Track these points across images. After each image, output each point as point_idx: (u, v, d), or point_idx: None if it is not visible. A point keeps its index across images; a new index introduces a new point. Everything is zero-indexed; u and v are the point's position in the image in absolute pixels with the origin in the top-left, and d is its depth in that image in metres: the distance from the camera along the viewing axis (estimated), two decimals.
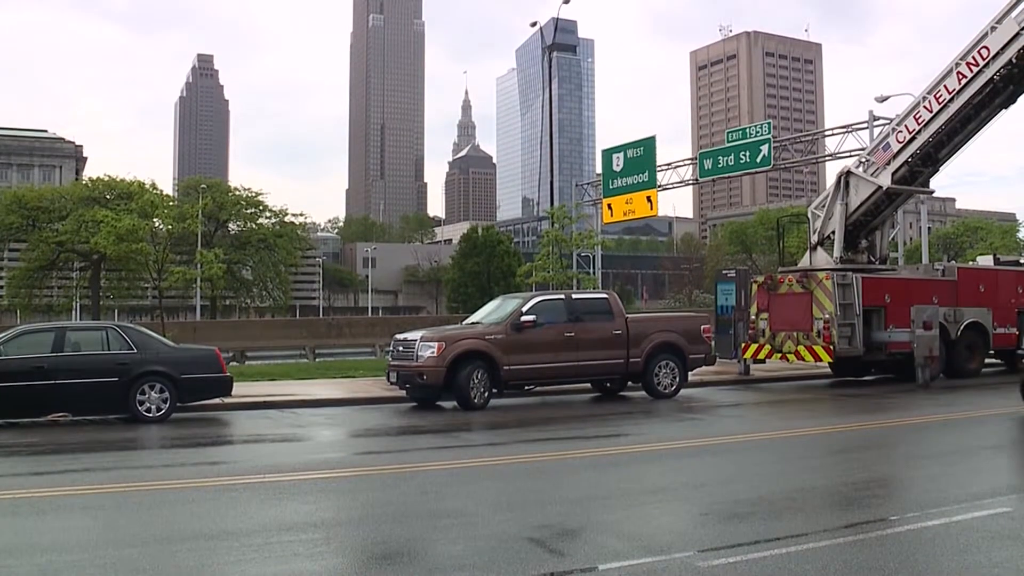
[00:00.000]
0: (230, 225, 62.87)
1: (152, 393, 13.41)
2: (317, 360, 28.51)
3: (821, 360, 18.81)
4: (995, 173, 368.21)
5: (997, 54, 17.03)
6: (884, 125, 24.06)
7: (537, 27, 43.80)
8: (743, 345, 19.68)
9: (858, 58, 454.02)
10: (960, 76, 17.64)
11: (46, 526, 6.98)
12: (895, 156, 19.04)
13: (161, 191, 50.55)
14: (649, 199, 35.38)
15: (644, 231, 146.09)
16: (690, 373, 16.81)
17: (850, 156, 27.45)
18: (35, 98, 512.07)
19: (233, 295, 66.35)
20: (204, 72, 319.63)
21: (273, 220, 62.66)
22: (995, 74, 17.21)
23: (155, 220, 44.12)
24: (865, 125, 29.39)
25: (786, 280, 19.28)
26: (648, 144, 35.44)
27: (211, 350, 14.75)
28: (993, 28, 17.15)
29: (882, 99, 30.93)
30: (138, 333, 14.30)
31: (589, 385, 17.13)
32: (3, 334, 13.93)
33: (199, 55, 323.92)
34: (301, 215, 66.69)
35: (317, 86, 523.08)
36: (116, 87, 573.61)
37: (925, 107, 18.36)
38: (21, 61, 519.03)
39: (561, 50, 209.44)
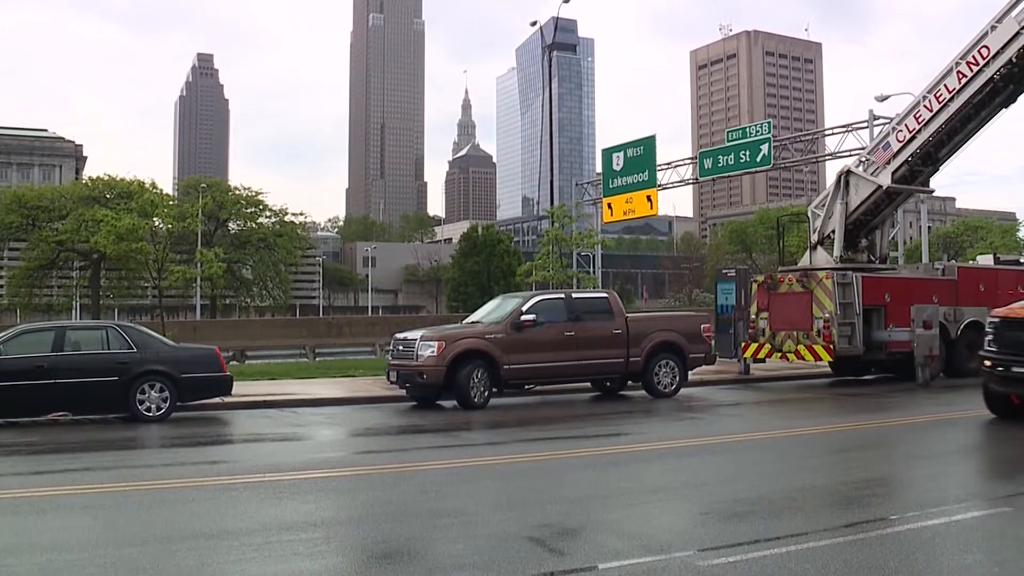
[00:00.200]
0: (230, 224, 62.86)
1: (152, 392, 13.41)
2: (317, 359, 28.53)
3: (821, 359, 18.82)
4: (995, 172, 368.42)
5: (997, 53, 17.03)
6: (884, 124, 24.07)
7: (537, 26, 43.82)
8: (743, 344, 19.68)
9: (858, 58, 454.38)
10: (960, 75, 17.64)
11: (46, 525, 6.98)
12: (895, 155, 19.04)
13: (161, 190, 50.62)
14: (649, 198, 35.40)
15: (644, 230, 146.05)
16: (690, 372, 16.81)
17: (850, 155, 27.47)
18: (35, 98, 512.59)
19: (233, 294, 66.33)
20: (204, 72, 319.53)
21: (273, 219, 62.65)
22: (995, 73, 17.21)
23: (155, 219, 44.16)
24: (865, 124, 29.41)
25: (786, 279, 19.28)
26: (648, 143, 35.45)
27: (211, 349, 14.75)
28: (993, 27, 17.14)
29: (882, 98, 30.95)
30: (138, 332, 14.30)
31: (589, 384, 17.13)
32: (3, 333, 13.94)
33: (199, 54, 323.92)
34: (301, 214, 66.82)
35: (317, 85, 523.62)
36: (116, 86, 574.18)
37: (925, 106, 18.35)
38: (21, 61, 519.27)
39: (561, 49, 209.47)
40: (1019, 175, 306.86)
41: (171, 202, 52.14)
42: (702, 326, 17.19)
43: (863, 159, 20.43)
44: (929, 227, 63.58)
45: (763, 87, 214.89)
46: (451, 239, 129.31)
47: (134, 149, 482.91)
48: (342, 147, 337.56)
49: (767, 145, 31.81)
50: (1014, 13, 16.96)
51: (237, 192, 62.65)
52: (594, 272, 42.23)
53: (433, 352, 14.34)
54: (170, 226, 46.46)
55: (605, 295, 17.49)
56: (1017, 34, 16.76)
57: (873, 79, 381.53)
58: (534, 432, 12.71)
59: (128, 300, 59.46)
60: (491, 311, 16.46)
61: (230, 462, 10.59)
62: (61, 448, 11.38)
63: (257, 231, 61.89)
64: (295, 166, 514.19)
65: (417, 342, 14.62)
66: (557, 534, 6.26)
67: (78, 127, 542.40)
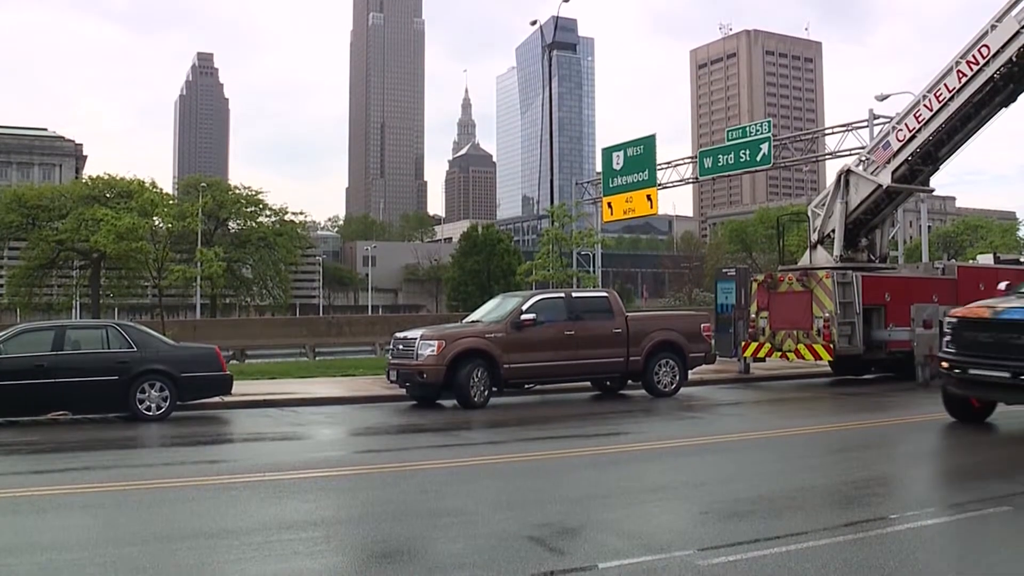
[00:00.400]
0: (230, 224, 62.86)
1: (152, 392, 13.41)
2: (317, 359, 28.53)
3: (821, 359, 18.82)
4: (995, 172, 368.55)
5: (997, 52, 17.02)
6: (884, 124, 24.07)
7: (537, 26, 43.86)
8: (743, 344, 19.68)
9: (858, 57, 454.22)
10: (960, 75, 17.62)
11: (46, 524, 6.98)
12: (895, 154, 19.03)
13: (161, 190, 50.64)
14: (649, 197, 35.39)
15: (644, 229, 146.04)
16: (690, 372, 16.81)
17: (850, 155, 27.46)
18: (35, 97, 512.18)
19: (233, 293, 66.36)
20: (204, 71, 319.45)
21: (273, 219, 62.66)
22: (995, 72, 17.19)
23: (155, 219, 44.21)
24: (865, 124, 29.40)
25: (786, 278, 19.28)
26: (648, 142, 35.45)
27: (211, 348, 14.76)
28: (993, 26, 17.12)
29: (882, 98, 30.94)
30: (138, 331, 14.30)
31: (589, 384, 17.13)
32: (3, 332, 13.94)
33: (199, 54, 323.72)
34: (301, 214, 66.86)
35: (317, 85, 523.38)
36: (116, 86, 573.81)
37: (925, 105, 18.34)
38: (21, 60, 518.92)
39: (561, 49, 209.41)
40: (1019, 174, 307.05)
41: (171, 201, 52.18)
42: (702, 325, 17.19)
43: (863, 158, 20.41)
44: (929, 226, 63.61)
45: (763, 86, 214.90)
46: (451, 238, 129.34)
47: (134, 148, 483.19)
48: (342, 146, 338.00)
49: (767, 144, 31.80)
50: (1014, 12, 16.95)
51: (237, 191, 62.67)
52: (594, 271, 42.24)
53: (433, 351, 14.35)
54: (170, 225, 46.50)
55: (605, 294, 17.49)
56: (1017, 33, 16.74)
57: (873, 78, 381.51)
58: (534, 431, 12.71)
59: (128, 299, 59.49)
60: (491, 310, 16.46)
61: (230, 461, 10.59)
62: (61, 447, 11.38)
63: (257, 230, 61.90)
64: (295, 165, 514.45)
65: (417, 341, 14.62)
66: (557, 533, 6.26)
67: (78, 126, 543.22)
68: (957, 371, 10.74)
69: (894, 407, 14.91)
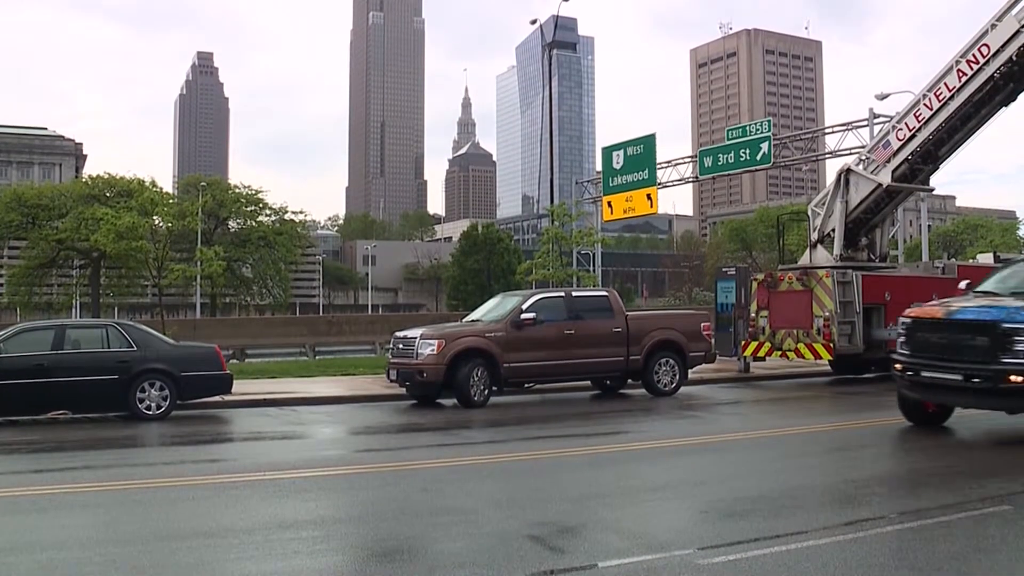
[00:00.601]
0: (230, 223, 62.85)
1: (152, 391, 13.41)
2: (317, 358, 28.54)
3: (821, 358, 18.81)
4: (995, 171, 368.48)
5: (997, 52, 17.01)
6: (884, 123, 24.04)
7: (537, 25, 43.83)
8: (743, 343, 19.68)
9: (858, 56, 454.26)
10: (960, 74, 17.62)
11: (46, 523, 6.98)
12: (895, 154, 19.02)
13: (161, 189, 50.48)
14: (649, 197, 35.35)
15: (644, 229, 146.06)
16: (690, 371, 16.81)
17: (850, 154, 27.43)
18: (35, 96, 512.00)
19: (233, 293, 66.35)
20: (204, 70, 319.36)
21: (273, 218, 62.63)
22: (995, 71, 17.18)
23: (155, 218, 44.09)
24: (865, 123, 29.37)
25: (786, 278, 19.28)
26: (648, 142, 35.41)
27: (211, 348, 14.77)
28: (993, 26, 17.11)
29: (882, 97, 30.92)
30: (138, 331, 14.29)
31: (589, 383, 17.13)
32: (3, 332, 13.94)
33: (199, 53, 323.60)
34: (301, 213, 66.85)
35: (317, 84, 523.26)
36: (116, 85, 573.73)
37: (925, 105, 18.33)
38: (21, 60, 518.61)
39: (561, 48, 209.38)
40: (1019, 173, 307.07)
41: (171, 200, 52.04)
42: (702, 324, 17.20)
43: (863, 157, 20.41)
44: (929, 225, 63.62)
45: (763, 85, 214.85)
46: (451, 237, 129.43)
47: (134, 148, 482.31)
48: (342, 145, 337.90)
49: (767, 143, 31.76)
50: (1014, 11, 16.94)
51: (237, 190, 62.66)
52: (594, 270, 42.20)
53: (433, 350, 14.35)
54: (170, 224, 46.41)
55: (605, 293, 17.50)
56: (1017, 32, 16.73)
57: (873, 77, 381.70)
58: (534, 430, 12.72)
59: (128, 298, 59.44)
60: (491, 309, 16.46)
61: (230, 460, 10.60)
62: (61, 446, 11.38)
63: (257, 229, 61.87)
64: (295, 164, 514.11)
65: (417, 340, 14.62)
66: (557, 532, 6.27)
67: (78, 125, 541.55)
68: (910, 373, 10.43)
69: (894, 406, 14.78)
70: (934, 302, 11.24)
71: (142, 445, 11.89)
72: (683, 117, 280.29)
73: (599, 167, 40.47)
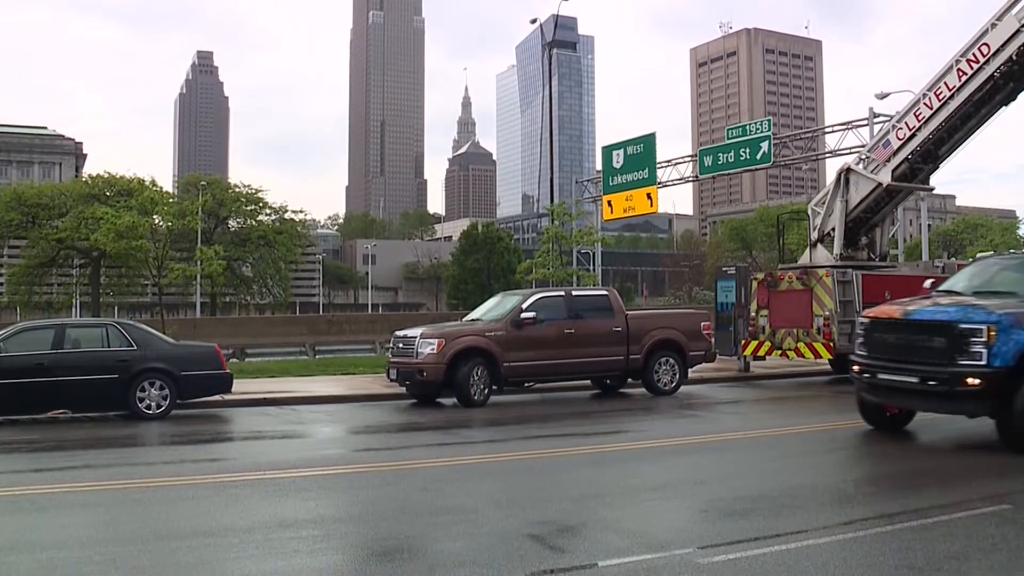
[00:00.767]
0: (230, 222, 62.83)
1: (152, 390, 13.41)
2: (317, 357, 28.51)
3: (821, 357, 18.81)
4: (995, 170, 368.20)
5: (997, 51, 17.00)
6: (884, 122, 24.03)
7: (537, 24, 43.82)
8: (743, 342, 19.68)
9: (858, 55, 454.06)
10: (960, 73, 17.61)
11: (46, 523, 6.98)
12: (895, 153, 19.02)
13: (161, 188, 50.38)
14: (649, 196, 35.34)
15: (644, 228, 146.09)
16: (690, 370, 16.81)
17: (850, 153, 27.42)
18: (35, 96, 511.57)
19: (233, 292, 66.35)
20: (204, 69, 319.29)
21: (273, 217, 62.61)
22: (995, 71, 17.18)
23: (155, 217, 44.00)
24: (865, 122, 29.37)
25: (786, 277, 19.28)
26: (648, 141, 35.40)
27: (211, 347, 14.78)
28: (993, 25, 17.11)
29: (882, 96, 30.92)
30: (138, 330, 14.29)
31: (589, 382, 17.13)
32: (3, 331, 13.94)
33: (199, 52, 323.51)
34: (301, 212, 66.83)
35: (317, 83, 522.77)
36: (116, 84, 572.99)
37: (925, 104, 18.33)
38: (21, 59, 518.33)
39: (561, 47, 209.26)
40: (1019, 173, 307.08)
41: (171, 200, 51.95)
42: (702, 324, 17.20)
43: (863, 157, 20.41)
44: (929, 225, 63.61)
45: (763, 85, 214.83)
46: (451, 237, 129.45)
47: (134, 147, 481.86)
48: (342, 144, 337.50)
49: (767, 143, 31.76)
50: (1014, 11, 16.93)
51: (237, 190, 62.64)
52: (594, 270, 42.20)
53: (433, 350, 14.35)
54: (170, 224, 46.32)
55: (605, 293, 17.50)
56: (1017, 32, 16.73)
57: (873, 77, 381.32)
58: (534, 430, 12.72)
59: (128, 298, 59.47)
60: (491, 309, 16.46)
61: (230, 459, 10.60)
62: (61, 446, 11.38)
63: (257, 228, 61.86)
64: (295, 164, 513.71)
65: (417, 340, 14.62)
66: (557, 531, 6.27)
67: (78, 125, 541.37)
68: (867, 376, 10.11)
69: None
70: (893, 302, 10.89)
71: (142, 444, 11.90)
72: (683, 116, 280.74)
73: (599, 166, 40.47)
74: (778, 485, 8.05)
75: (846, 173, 20.02)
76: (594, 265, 42.80)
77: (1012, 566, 5.47)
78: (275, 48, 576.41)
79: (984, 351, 8.83)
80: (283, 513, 7.17)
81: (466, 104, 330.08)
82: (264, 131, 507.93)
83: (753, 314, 19.54)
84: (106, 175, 52.44)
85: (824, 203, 20.45)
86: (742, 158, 32.59)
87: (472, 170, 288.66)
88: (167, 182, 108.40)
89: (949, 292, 10.63)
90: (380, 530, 6.55)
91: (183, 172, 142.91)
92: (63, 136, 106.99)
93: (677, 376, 16.26)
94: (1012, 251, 19.27)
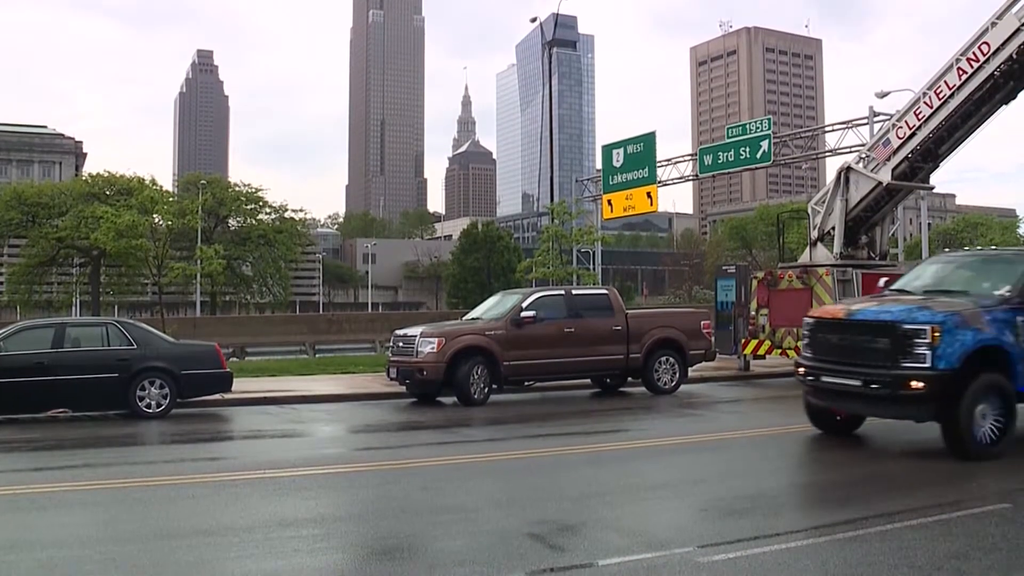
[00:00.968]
0: (230, 221, 62.81)
1: (152, 389, 13.41)
2: (317, 356, 28.52)
3: None
4: (995, 169, 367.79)
5: (998, 50, 16.99)
6: (884, 121, 24.01)
7: (537, 23, 43.83)
8: (743, 341, 19.68)
9: (858, 54, 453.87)
10: (960, 72, 17.60)
11: (46, 522, 6.98)
12: (895, 152, 19.01)
13: (161, 187, 50.45)
14: (649, 195, 35.33)
15: (644, 227, 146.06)
16: (690, 369, 16.80)
17: (850, 152, 27.39)
18: (35, 96, 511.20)
19: (233, 291, 66.36)
20: (204, 68, 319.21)
21: (273, 216, 62.59)
22: (996, 70, 17.16)
23: (155, 216, 44.05)
24: (865, 121, 29.33)
25: (786, 276, 19.28)
26: (648, 140, 35.39)
27: (211, 346, 14.77)
28: (994, 24, 17.10)
29: (882, 95, 30.88)
30: (138, 329, 14.29)
31: (589, 381, 17.13)
32: (3, 330, 13.94)
33: (199, 51, 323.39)
34: (301, 211, 66.80)
35: (317, 82, 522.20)
36: (116, 83, 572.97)
37: (925, 103, 18.32)
38: (21, 58, 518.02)
39: (561, 46, 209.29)
40: (1019, 172, 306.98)
41: (171, 199, 52.01)
42: (702, 323, 17.20)
43: (863, 156, 20.40)
44: (929, 224, 63.58)
45: (763, 83, 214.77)
46: (451, 236, 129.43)
47: (134, 146, 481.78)
48: (342, 144, 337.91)
49: (767, 141, 31.72)
50: (1014, 10, 16.92)
51: (237, 189, 62.61)
52: (594, 269, 42.18)
53: (433, 348, 14.35)
54: (170, 223, 46.38)
55: (605, 292, 17.49)
56: (1017, 30, 16.72)
57: (873, 76, 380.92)
58: (534, 428, 12.72)
59: (128, 297, 59.47)
60: (491, 308, 16.46)
61: (230, 458, 10.60)
62: (61, 444, 11.38)
63: (257, 228, 61.86)
64: (295, 163, 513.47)
65: (417, 338, 14.62)
66: (557, 530, 6.27)
67: (78, 125, 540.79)
68: (811, 378, 9.80)
69: None
70: (840, 302, 10.65)
71: (142, 443, 11.90)
72: (683, 115, 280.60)
73: (599, 165, 40.44)
74: (778, 484, 8.06)
75: (846, 172, 20.01)
76: (594, 264, 42.79)
77: (1012, 565, 5.47)
78: (275, 47, 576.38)
79: (928, 353, 8.48)
80: (283, 512, 7.17)
81: (466, 103, 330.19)
82: (264, 130, 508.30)
83: (753, 313, 19.53)
84: (106, 174, 52.44)
85: (824, 202, 20.44)
86: (742, 157, 32.56)
87: (472, 169, 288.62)
88: (167, 181, 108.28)
89: (900, 291, 10.32)
90: (380, 529, 6.55)
91: (183, 171, 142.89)
92: (63, 135, 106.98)
93: (677, 375, 16.26)
94: (967, 248, 19.00)
